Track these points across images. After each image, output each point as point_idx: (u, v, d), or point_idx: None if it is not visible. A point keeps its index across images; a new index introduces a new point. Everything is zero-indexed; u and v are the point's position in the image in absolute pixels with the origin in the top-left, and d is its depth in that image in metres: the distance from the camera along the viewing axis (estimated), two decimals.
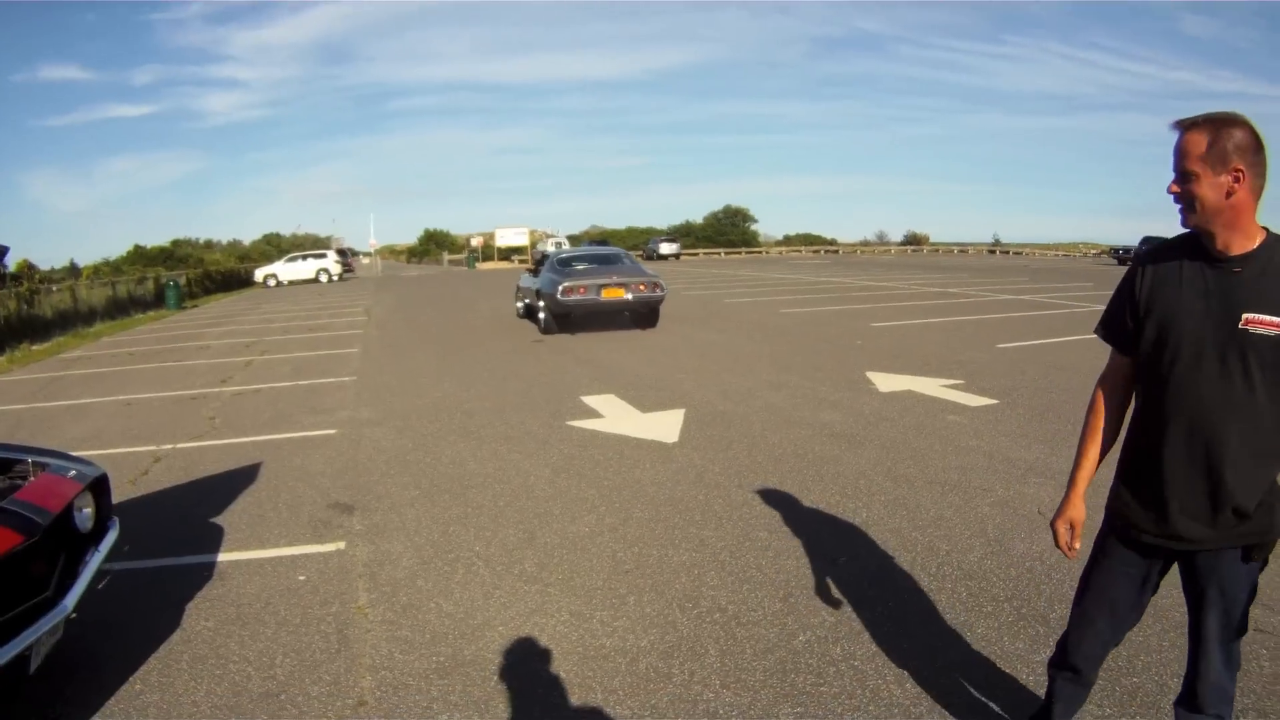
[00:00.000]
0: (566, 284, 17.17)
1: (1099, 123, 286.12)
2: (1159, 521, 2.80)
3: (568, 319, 17.92)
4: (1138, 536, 2.89)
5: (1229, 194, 2.49)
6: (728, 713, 3.78)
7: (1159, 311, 2.70)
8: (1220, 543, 2.72)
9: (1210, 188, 2.50)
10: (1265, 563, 2.76)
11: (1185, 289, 2.64)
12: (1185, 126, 2.55)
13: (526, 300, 20.95)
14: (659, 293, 17.71)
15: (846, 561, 5.39)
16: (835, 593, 4.95)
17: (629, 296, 17.40)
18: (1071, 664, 3.18)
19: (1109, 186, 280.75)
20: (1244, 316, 2.51)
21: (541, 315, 18.47)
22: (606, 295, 17.21)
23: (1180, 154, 2.55)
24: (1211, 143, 2.49)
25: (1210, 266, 2.61)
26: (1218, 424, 2.61)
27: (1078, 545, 3.07)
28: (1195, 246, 2.65)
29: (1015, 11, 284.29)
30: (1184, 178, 2.56)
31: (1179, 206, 2.61)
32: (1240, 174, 2.47)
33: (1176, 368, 2.66)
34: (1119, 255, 59.28)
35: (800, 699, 3.87)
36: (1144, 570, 2.94)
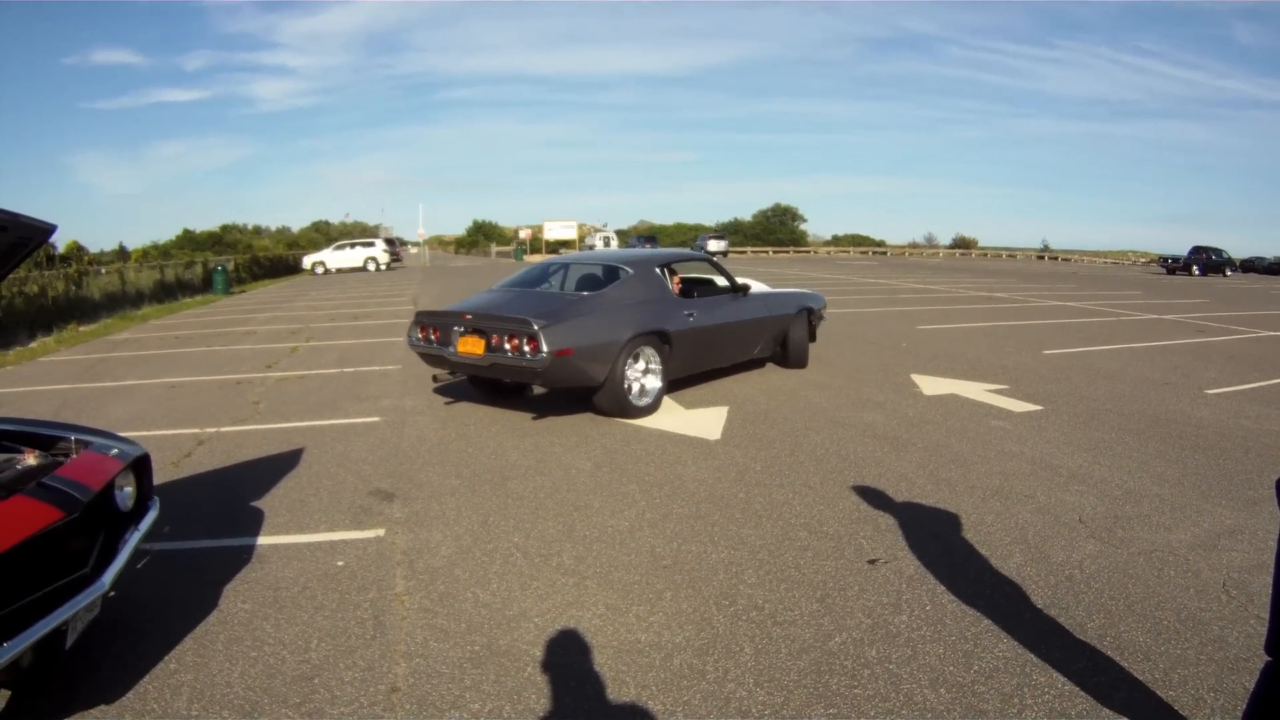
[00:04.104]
0: (420, 322, 10.06)
1: (1148, 129, 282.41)
2: None
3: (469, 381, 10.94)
4: None
5: None
6: (760, 712, 3.76)
7: None
8: None
9: None
10: None
11: None
12: None
13: None
14: (535, 355, 8.69)
15: (885, 564, 5.35)
16: (872, 595, 4.91)
17: (486, 359, 9.16)
18: None
19: (1158, 195, 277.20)
20: None
21: None
22: (462, 350, 9.39)
23: None
24: None
25: None
26: None
27: None
28: None
29: (1063, 15, 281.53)
30: None
31: None
32: None
33: None
34: (1168, 265, 58.56)
35: (834, 700, 3.84)
36: None
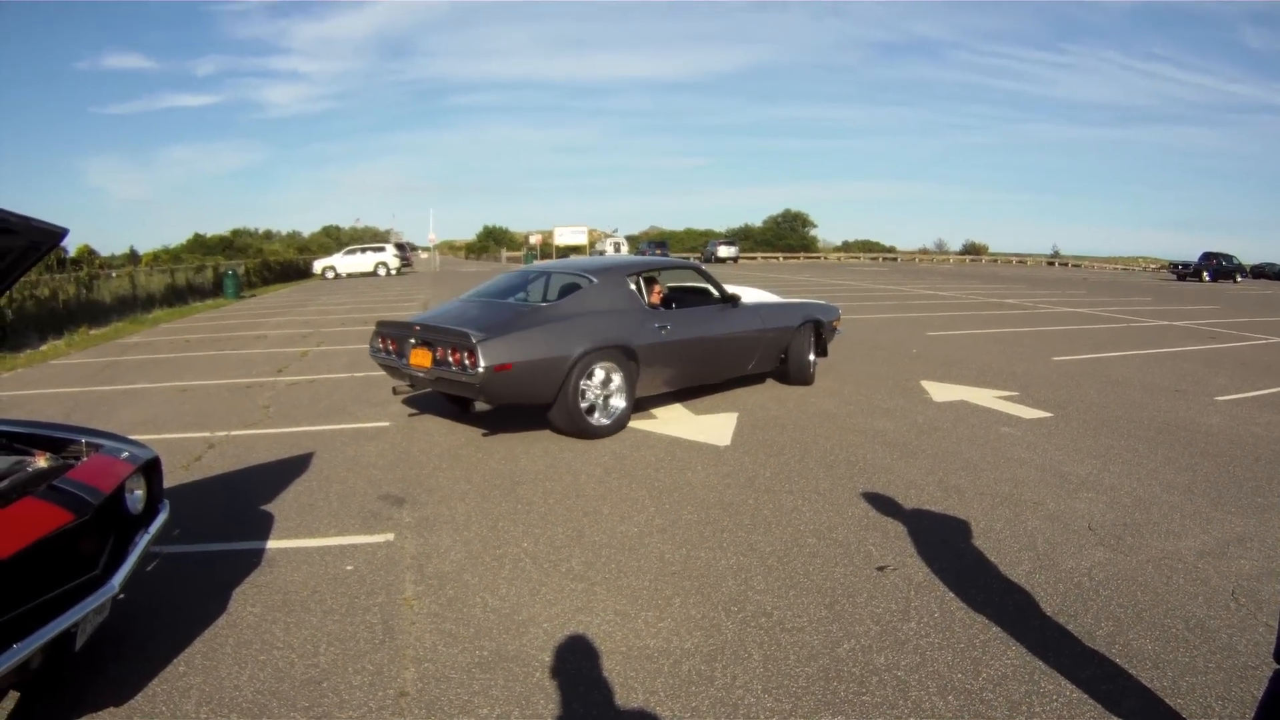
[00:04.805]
0: (379, 332, 9.55)
1: (1158, 135, 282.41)
2: None
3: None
4: None
5: None
6: (768, 718, 3.76)
7: None
8: None
9: None
10: None
11: None
12: None
13: None
14: (473, 370, 8.08)
15: (894, 571, 5.35)
16: (881, 602, 4.91)
17: (432, 372, 8.64)
18: None
19: (1168, 200, 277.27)
20: None
21: None
22: (413, 363, 8.87)
23: None
24: None
25: None
26: None
27: None
28: None
29: (1072, 19, 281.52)
30: None
31: None
32: None
33: None
34: (1178, 270, 58.29)
35: (842, 707, 3.84)
36: None
